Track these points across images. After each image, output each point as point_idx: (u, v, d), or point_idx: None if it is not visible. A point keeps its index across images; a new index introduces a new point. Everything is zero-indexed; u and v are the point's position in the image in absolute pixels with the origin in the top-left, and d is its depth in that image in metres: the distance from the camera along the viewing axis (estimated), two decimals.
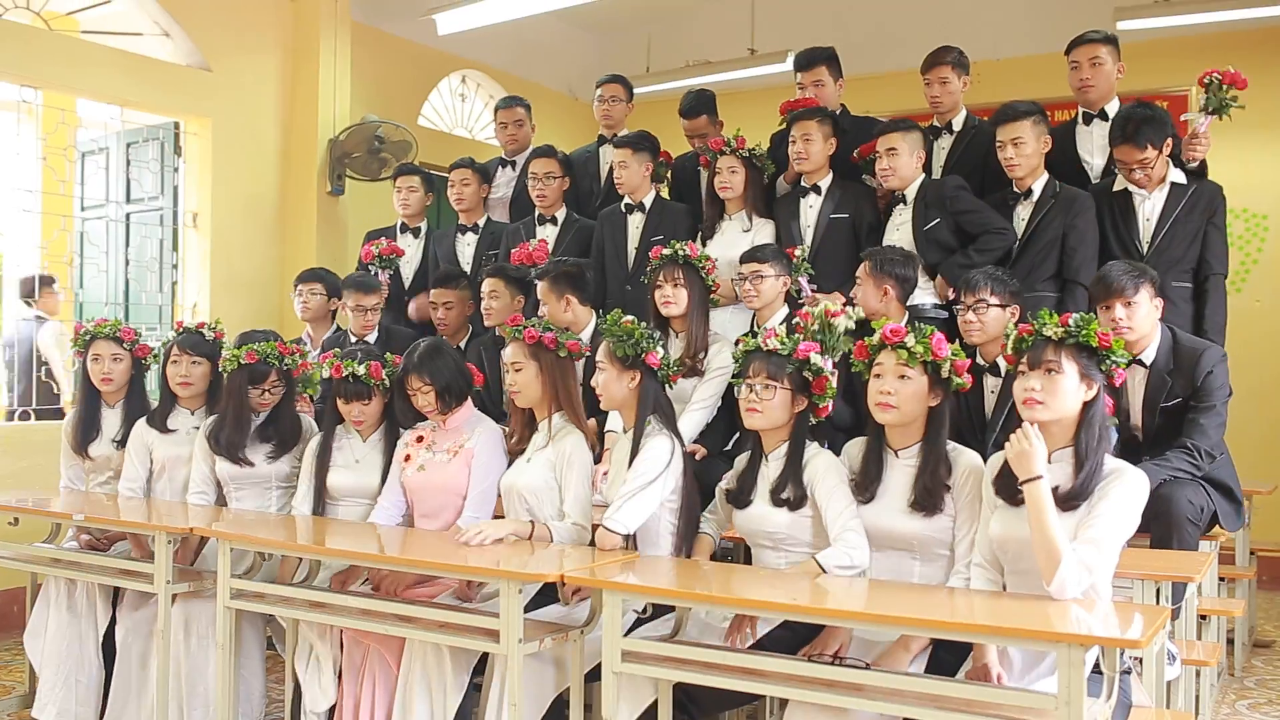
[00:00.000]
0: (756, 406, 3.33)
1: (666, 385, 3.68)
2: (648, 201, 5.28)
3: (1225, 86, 4.47)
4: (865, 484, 3.21)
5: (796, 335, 3.43)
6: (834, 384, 3.36)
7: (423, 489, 3.96)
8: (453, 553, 3.49)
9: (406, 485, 4.00)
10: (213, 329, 4.56)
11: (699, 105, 5.65)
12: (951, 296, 4.46)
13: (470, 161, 5.94)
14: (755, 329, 4.56)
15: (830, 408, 3.42)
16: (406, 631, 3.43)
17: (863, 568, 3.15)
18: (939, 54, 5.06)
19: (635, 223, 5.29)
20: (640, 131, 5.39)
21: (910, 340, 3.11)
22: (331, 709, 3.73)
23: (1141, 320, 3.82)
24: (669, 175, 5.69)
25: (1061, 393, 2.87)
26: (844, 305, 3.47)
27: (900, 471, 3.17)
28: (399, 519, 4.04)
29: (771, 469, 3.36)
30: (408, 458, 4.01)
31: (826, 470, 3.26)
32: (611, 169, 5.50)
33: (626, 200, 5.32)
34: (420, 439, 4.03)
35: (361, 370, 4.04)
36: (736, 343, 3.57)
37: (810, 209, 4.90)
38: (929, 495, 3.09)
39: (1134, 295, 3.80)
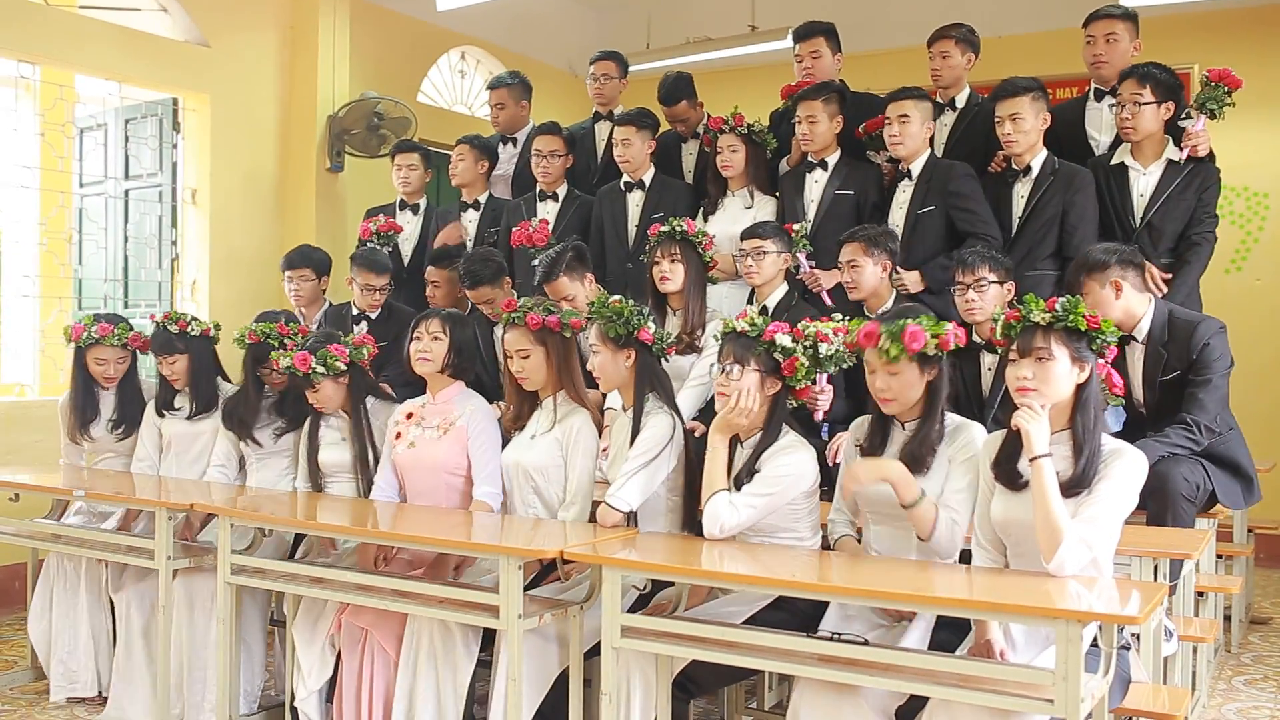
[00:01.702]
0: (725, 390, 3.29)
1: (663, 359, 3.67)
2: (647, 179, 5.27)
3: (1217, 85, 4.46)
4: (870, 452, 3.19)
5: (766, 316, 3.37)
6: (805, 367, 3.26)
7: (413, 467, 3.96)
8: (452, 528, 3.50)
9: (397, 463, 4.00)
10: (175, 320, 4.56)
11: (676, 91, 5.60)
12: (923, 289, 4.47)
13: (473, 138, 5.92)
14: (754, 304, 4.56)
15: (815, 395, 3.42)
16: (407, 607, 3.44)
17: (711, 530, 3.19)
18: (945, 28, 5.04)
19: (635, 200, 5.28)
20: (641, 109, 5.38)
21: (885, 343, 3.07)
22: (331, 686, 3.76)
23: (1099, 307, 3.77)
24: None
25: (1054, 379, 2.85)
26: (836, 328, 3.39)
27: (902, 441, 3.15)
28: (395, 497, 4.04)
29: (744, 454, 3.31)
30: (398, 435, 4.01)
31: (782, 461, 3.21)
32: (608, 146, 5.48)
33: (625, 178, 5.30)
34: (410, 415, 4.03)
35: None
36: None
37: (816, 184, 4.89)
38: (913, 458, 3.07)
39: (1081, 288, 3.77)
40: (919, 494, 3.00)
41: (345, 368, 4.12)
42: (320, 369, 4.06)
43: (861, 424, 3.30)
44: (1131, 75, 4.41)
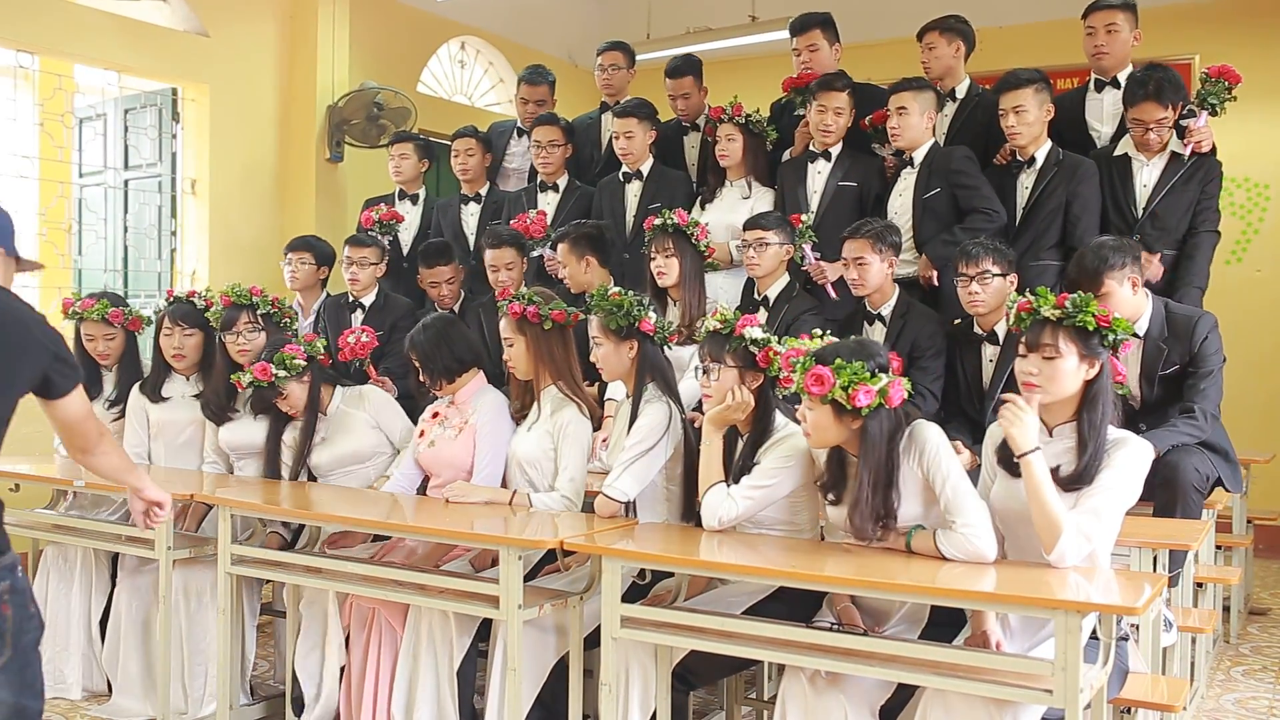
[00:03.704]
0: (708, 391, 3.27)
1: (665, 348, 3.67)
2: (645, 169, 5.27)
3: (1218, 81, 4.44)
4: (831, 484, 3.07)
5: (736, 311, 3.33)
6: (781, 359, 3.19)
7: (433, 465, 3.97)
8: (454, 519, 3.50)
9: (421, 461, 4.00)
10: (204, 297, 4.56)
11: (686, 66, 5.61)
12: (933, 278, 4.47)
13: (474, 130, 5.90)
14: (755, 295, 4.56)
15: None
16: (408, 597, 3.45)
17: (709, 523, 3.19)
18: (932, 21, 5.04)
19: (633, 191, 5.28)
20: (640, 99, 5.37)
21: (796, 373, 2.96)
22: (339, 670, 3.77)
23: (1119, 304, 3.75)
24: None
25: (1060, 376, 2.84)
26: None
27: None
28: (411, 491, 4.04)
29: (743, 446, 3.30)
30: (422, 433, 4.02)
31: (780, 453, 3.18)
32: (614, 136, 5.47)
33: (624, 169, 5.30)
34: (435, 415, 4.03)
35: (246, 379, 4.09)
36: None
37: (819, 175, 4.88)
38: (874, 519, 2.91)
39: (1102, 288, 3.73)
40: (907, 538, 2.91)
41: (305, 364, 4.11)
42: (282, 373, 4.06)
43: (820, 451, 3.13)
44: (1148, 100, 4.28)
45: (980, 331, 4.15)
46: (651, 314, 3.60)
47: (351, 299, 5.26)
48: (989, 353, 4.15)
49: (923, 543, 2.89)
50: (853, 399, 2.85)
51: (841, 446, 3.03)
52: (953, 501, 2.84)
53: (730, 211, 4.93)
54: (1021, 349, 2.92)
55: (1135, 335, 3.84)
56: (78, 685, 4.37)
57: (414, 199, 6.02)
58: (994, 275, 4.02)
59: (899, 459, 2.91)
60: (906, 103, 4.60)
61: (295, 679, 3.84)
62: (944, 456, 2.88)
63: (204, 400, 4.44)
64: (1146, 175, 4.46)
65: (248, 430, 4.36)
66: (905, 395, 2.92)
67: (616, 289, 3.64)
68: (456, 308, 5.20)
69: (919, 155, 4.64)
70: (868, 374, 2.87)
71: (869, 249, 4.19)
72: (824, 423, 2.93)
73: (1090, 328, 2.83)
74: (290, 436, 4.25)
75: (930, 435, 2.92)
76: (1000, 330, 4.09)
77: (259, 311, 4.37)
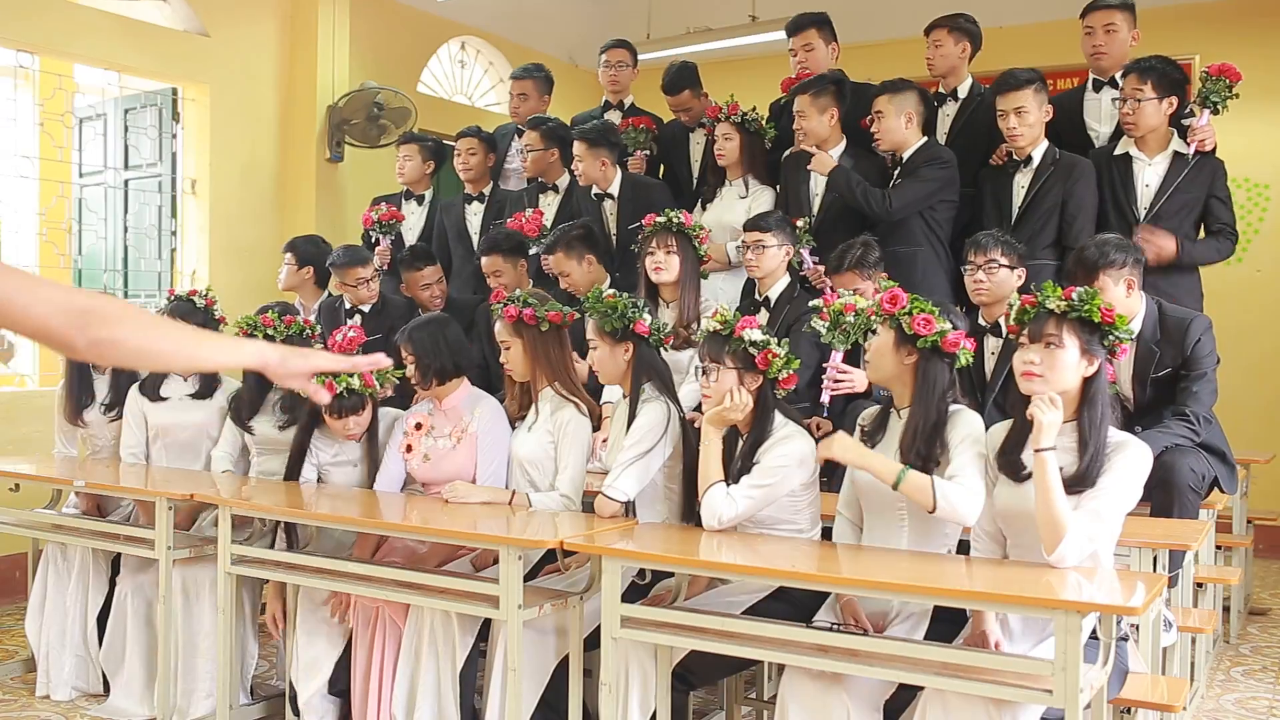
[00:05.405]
0: (708, 392, 3.27)
1: (660, 349, 3.67)
2: (614, 190, 5.24)
3: (1218, 79, 4.45)
4: (873, 431, 3.17)
5: (736, 312, 3.34)
6: (782, 357, 3.22)
7: (433, 479, 3.92)
8: (454, 519, 3.50)
9: (416, 477, 3.97)
10: (203, 296, 4.56)
11: (679, 80, 5.60)
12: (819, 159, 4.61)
13: (477, 130, 5.91)
14: (756, 296, 4.56)
15: (797, 379, 3.31)
16: (408, 597, 3.46)
17: (709, 523, 3.18)
18: (941, 18, 5.04)
19: (609, 209, 5.25)
20: (595, 124, 5.32)
21: (870, 291, 3.06)
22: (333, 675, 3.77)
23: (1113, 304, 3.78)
24: (654, 144, 5.68)
25: (1061, 367, 2.84)
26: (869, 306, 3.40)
27: (899, 431, 3.09)
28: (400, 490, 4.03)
29: (744, 446, 3.30)
30: (409, 448, 3.97)
31: (779, 452, 3.18)
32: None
33: (595, 189, 5.27)
34: (419, 426, 3.97)
35: (356, 384, 3.89)
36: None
37: (820, 175, 4.87)
38: (918, 457, 2.97)
39: (1096, 282, 3.72)
40: (898, 472, 2.95)
41: (397, 383, 4.04)
42: (378, 386, 3.94)
43: (870, 414, 3.26)
44: (1133, 70, 4.41)
45: (983, 324, 4.15)
46: (646, 315, 3.59)
47: (349, 305, 5.25)
48: (991, 345, 4.14)
49: (914, 482, 2.92)
50: (914, 324, 3.02)
51: (890, 396, 3.14)
52: (964, 468, 2.92)
53: (728, 212, 4.94)
54: (1022, 340, 2.93)
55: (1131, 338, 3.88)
56: (68, 685, 4.36)
57: (420, 199, 6.03)
58: (1000, 265, 4.02)
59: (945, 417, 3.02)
60: (881, 106, 4.64)
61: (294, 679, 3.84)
62: (973, 439, 2.97)
63: (234, 405, 4.41)
64: (1149, 175, 4.45)
65: (267, 426, 4.34)
66: (961, 349, 3.05)
67: (611, 290, 3.63)
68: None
69: (907, 155, 4.66)
70: (935, 313, 3.03)
71: (858, 279, 4.23)
72: (883, 348, 3.10)
73: (1094, 320, 2.84)
74: (329, 453, 4.13)
75: (969, 419, 3.03)
76: (1004, 322, 4.09)
77: (277, 339, 4.30)
